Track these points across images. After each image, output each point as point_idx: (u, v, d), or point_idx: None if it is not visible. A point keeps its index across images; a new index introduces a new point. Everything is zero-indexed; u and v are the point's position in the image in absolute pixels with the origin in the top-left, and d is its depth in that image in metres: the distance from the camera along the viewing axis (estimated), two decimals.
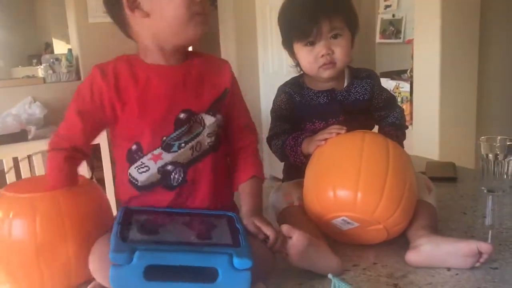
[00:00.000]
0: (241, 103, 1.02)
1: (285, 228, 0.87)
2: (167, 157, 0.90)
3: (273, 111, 1.19)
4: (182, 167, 0.91)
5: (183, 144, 0.90)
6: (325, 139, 1.01)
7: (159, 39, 0.90)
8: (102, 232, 0.84)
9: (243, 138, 1.00)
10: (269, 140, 1.17)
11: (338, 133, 1.01)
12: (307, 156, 1.06)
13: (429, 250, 0.88)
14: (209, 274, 0.73)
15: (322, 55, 1.09)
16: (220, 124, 0.95)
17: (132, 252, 0.70)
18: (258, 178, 0.99)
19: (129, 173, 0.92)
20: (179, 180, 0.91)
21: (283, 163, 1.23)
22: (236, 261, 0.72)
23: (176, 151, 0.90)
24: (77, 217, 0.85)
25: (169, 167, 0.91)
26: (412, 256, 0.89)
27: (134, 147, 0.90)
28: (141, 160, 0.90)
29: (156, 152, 0.90)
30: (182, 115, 0.90)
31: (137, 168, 0.91)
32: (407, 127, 1.25)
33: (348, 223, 0.94)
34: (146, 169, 0.91)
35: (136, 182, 0.92)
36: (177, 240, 0.80)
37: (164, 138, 0.89)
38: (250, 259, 0.73)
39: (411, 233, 0.95)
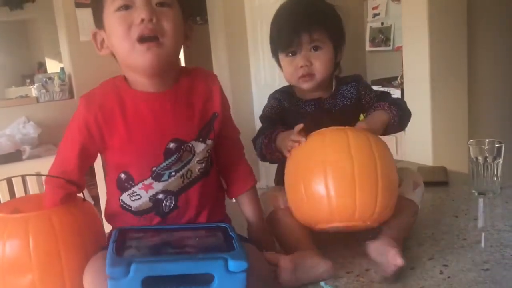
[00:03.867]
0: (230, 121, 1.01)
1: (269, 256, 0.89)
2: (158, 186, 0.90)
3: (262, 117, 1.20)
4: (173, 194, 0.92)
5: (173, 173, 0.90)
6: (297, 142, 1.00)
7: (129, 71, 0.90)
8: (96, 247, 0.85)
9: (234, 153, 1.03)
10: (254, 140, 1.17)
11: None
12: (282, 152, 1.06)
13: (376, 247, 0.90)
14: (207, 279, 0.74)
15: (301, 66, 1.11)
16: (210, 149, 0.95)
17: (128, 265, 0.71)
18: (255, 186, 1.03)
19: (121, 200, 0.93)
20: (171, 207, 0.92)
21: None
22: (231, 264, 0.74)
23: (167, 180, 0.90)
24: (70, 234, 0.85)
25: (160, 196, 0.91)
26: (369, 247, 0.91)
27: (122, 175, 0.91)
28: (133, 188, 0.91)
29: (147, 182, 0.90)
30: (171, 145, 0.88)
31: (129, 196, 0.92)
32: (408, 111, 1.18)
33: (336, 228, 0.95)
34: (138, 197, 0.92)
35: (130, 208, 0.93)
36: (172, 251, 0.81)
37: (154, 168, 0.89)
38: (245, 261, 0.74)
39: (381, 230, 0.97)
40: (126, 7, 0.84)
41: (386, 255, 0.87)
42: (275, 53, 1.19)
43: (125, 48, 0.85)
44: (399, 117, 1.09)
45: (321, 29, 1.11)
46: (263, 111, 1.21)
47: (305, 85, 1.14)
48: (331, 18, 1.15)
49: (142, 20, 0.83)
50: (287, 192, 1.01)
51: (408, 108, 1.18)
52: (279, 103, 1.18)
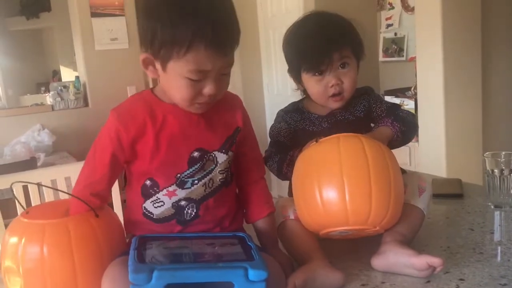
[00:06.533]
0: (252, 138, 1.03)
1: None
2: (181, 193, 0.93)
3: (272, 136, 1.20)
4: (195, 202, 0.94)
5: (196, 181, 0.93)
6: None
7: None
8: (114, 256, 0.86)
9: (253, 172, 1.04)
10: (265, 160, 1.18)
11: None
12: None
13: (389, 259, 0.93)
14: (226, 287, 0.75)
15: (332, 85, 1.12)
16: (231, 161, 0.97)
17: (150, 272, 0.73)
18: (273, 213, 1.03)
19: (144, 207, 0.95)
20: (192, 215, 0.94)
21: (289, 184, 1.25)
22: (251, 273, 0.75)
23: (190, 188, 0.93)
24: (86, 244, 0.86)
25: (183, 203, 0.94)
26: (375, 261, 0.95)
27: (148, 182, 0.93)
28: (157, 195, 0.93)
29: (171, 188, 0.93)
30: (196, 154, 0.92)
31: (152, 203, 0.94)
32: (413, 125, 1.17)
33: (345, 232, 0.96)
34: (161, 204, 0.94)
35: (152, 216, 0.95)
36: (192, 259, 0.83)
37: (178, 175, 0.92)
38: (265, 271, 0.76)
39: (384, 237, 0.98)
40: (198, 80, 0.85)
41: (411, 262, 0.90)
42: (294, 72, 1.18)
43: (183, 103, 0.89)
44: (402, 132, 1.11)
45: (348, 46, 1.12)
46: (273, 130, 1.21)
47: (335, 105, 1.15)
48: (354, 34, 1.16)
49: (210, 96, 0.87)
50: (296, 197, 1.01)
51: (415, 121, 1.19)
52: (288, 126, 1.19)
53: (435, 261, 0.88)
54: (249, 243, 0.88)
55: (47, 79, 6.85)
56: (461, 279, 0.90)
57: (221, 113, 0.96)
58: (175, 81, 0.86)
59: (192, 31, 0.80)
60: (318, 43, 1.11)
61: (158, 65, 0.88)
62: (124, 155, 0.91)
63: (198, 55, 0.82)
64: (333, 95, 1.13)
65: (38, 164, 3.02)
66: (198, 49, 0.81)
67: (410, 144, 2.77)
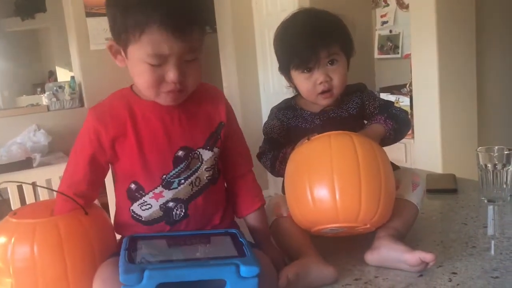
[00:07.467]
0: (237, 132, 1.02)
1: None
2: (168, 194, 0.92)
3: (265, 133, 1.21)
4: (183, 203, 0.93)
5: (182, 181, 0.92)
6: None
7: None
8: (105, 255, 0.86)
9: (240, 166, 1.02)
10: (259, 157, 1.19)
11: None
12: None
13: (382, 254, 0.94)
14: (218, 284, 0.75)
15: (321, 82, 1.12)
16: (217, 157, 0.96)
17: (141, 272, 0.72)
18: (263, 206, 1.03)
19: (132, 210, 0.94)
20: (181, 216, 0.93)
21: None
22: (243, 269, 0.75)
23: (176, 188, 0.92)
24: (77, 242, 0.86)
25: (171, 204, 0.92)
26: (369, 256, 0.96)
27: (133, 186, 0.92)
28: (144, 198, 0.92)
29: (157, 190, 0.91)
30: (180, 153, 0.91)
31: (140, 206, 0.93)
32: (406, 123, 1.19)
33: (336, 230, 0.97)
34: (149, 207, 0.93)
35: (141, 218, 0.94)
36: (183, 257, 0.82)
37: (164, 176, 0.90)
38: (257, 267, 0.76)
39: (377, 232, 0.98)
40: (158, 65, 0.84)
41: (404, 258, 0.90)
42: (284, 69, 1.18)
43: (148, 91, 0.87)
44: (394, 130, 1.13)
45: (336, 43, 1.11)
46: (266, 127, 1.21)
47: (325, 102, 1.15)
48: (342, 30, 1.15)
49: (174, 83, 0.85)
50: (288, 194, 1.01)
51: (408, 119, 1.20)
52: (281, 123, 1.18)
53: (428, 256, 0.89)
54: (240, 239, 0.88)
55: (43, 80, 6.83)
56: (453, 273, 0.91)
57: (203, 107, 0.94)
58: (137, 67, 0.85)
59: (146, 13, 0.80)
60: (305, 40, 1.11)
61: (122, 52, 0.87)
62: (104, 156, 0.90)
63: (152, 37, 0.81)
64: (322, 92, 1.13)
65: (34, 164, 3.02)
66: (152, 31, 0.80)
67: (405, 141, 2.79)
